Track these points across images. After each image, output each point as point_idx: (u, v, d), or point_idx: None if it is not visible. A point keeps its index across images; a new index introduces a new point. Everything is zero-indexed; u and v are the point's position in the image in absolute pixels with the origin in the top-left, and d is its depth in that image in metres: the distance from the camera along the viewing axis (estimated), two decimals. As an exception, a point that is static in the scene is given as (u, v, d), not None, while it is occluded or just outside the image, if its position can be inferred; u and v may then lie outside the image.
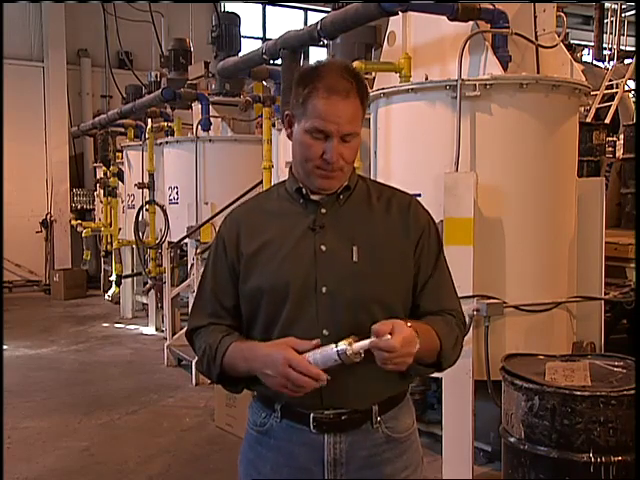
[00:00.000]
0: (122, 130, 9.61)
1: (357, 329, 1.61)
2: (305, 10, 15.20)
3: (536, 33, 4.38)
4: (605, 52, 11.18)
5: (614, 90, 8.71)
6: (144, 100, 8.39)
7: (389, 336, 1.49)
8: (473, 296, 3.68)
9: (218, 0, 12.39)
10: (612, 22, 11.21)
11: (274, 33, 12.79)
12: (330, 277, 1.64)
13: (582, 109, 6.66)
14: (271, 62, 6.08)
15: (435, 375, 3.81)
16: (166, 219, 7.77)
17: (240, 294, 1.73)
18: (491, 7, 4.11)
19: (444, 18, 4.02)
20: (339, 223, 1.69)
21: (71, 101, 12.33)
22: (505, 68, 4.11)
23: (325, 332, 1.62)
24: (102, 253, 10.70)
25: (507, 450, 3.25)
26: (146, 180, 8.17)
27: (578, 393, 2.98)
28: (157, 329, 8.40)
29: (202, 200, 7.18)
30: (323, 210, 1.70)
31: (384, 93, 4.18)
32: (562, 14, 4.51)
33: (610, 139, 7.52)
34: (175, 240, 7.39)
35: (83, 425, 5.11)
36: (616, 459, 2.92)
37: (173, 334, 6.93)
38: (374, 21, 4.61)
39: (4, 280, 11.37)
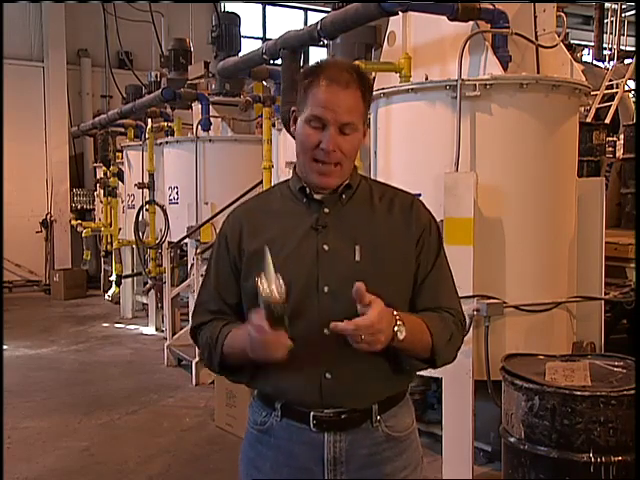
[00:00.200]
0: (122, 130, 9.61)
1: None
2: (305, 10, 15.20)
3: (536, 33, 4.38)
4: (605, 52, 11.18)
5: (614, 90, 8.71)
6: (144, 100, 8.39)
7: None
8: (473, 296, 3.68)
9: (218, 0, 12.39)
10: (612, 22, 11.21)
11: (274, 33, 12.79)
12: (332, 277, 1.64)
13: (582, 109, 6.65)
14: (271, 62, 6.08)
15: (435, 375, 3.84)
16: (166, 219, 7.77)
17: (242, 291, 1.74)
18: (491, 7, 4.11)
19: (444, 18, 4.02)
20: (342, 223, 1.69)
21: (71, 101, 12.33)
22: (505, 68, 4.11)
23: (326, 331, 1.62)
24: (102, 253, 10.70)
25: (507, 450, 3.25)
26: (146, 180, 8.17)
27: (578, 393, 2.98)
28: (157, 329, 8.40)
29: (202, 200, 7.19)
30: (326, 210, 1.70)
31: (384, 93, 4.18)
32: (562, 14, 4.51)
33: (610, 139, 7.51)
34: (175, 240, 7.39)
35: (83, 425, 5.12)
36: (616, 459, 2.92)
37: (173, 334, 6.93)
38: (374, 21, 4.61)
39: (4, 280, 11.37)
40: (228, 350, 1.67)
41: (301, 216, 1.70)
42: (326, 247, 1.66)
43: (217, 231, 6.57)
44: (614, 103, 8.35)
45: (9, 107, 11.18)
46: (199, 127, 7.34)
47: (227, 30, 7.60)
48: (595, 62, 11.12)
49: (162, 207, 7.87)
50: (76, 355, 7.34)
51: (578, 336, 4.18)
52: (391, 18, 4.58)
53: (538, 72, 4.33)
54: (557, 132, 4.01)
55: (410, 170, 4.05)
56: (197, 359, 6.08)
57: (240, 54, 7.37)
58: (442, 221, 3.59)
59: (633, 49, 10.61)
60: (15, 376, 6.28)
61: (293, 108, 1.73)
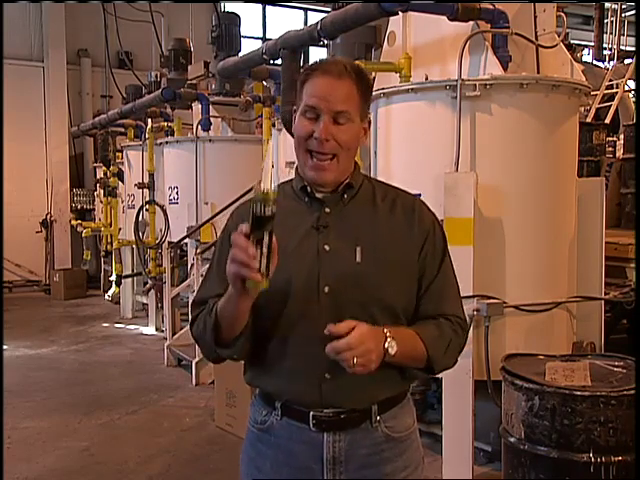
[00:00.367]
0: (122, 130, 9.61)
1: None
2: (305, 10, 15.20)
3: (536, 33, 4.38)
4: (605, 52, 11.17)
5: (614, 90, 8.71)
6: (144, 100, 8.40)
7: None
8: (473, 296, 3.68)
9: (218, 0, 12.39)
10: (612, 22, 11.21)
11: (274, 33, 12.79)
12: (332, 277, 1.64)
13: (582, 109, 6.65)
14: (271, 62, 6.08)
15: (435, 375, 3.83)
16: (166, 219, 7.77)
17: None
18: (491, 7, 4.11)
19: (444, 18, 4.02)
20: (343, 223, 1.69)
21: (71, 101, 12.33)
22: (505, 68, 4.11)
23: (326, 332, 1.62)
24: (102, 253, 10.70)
25: (507, 450, 3.25)
26: (146, 180, 8.18)
27: (578, 393, 2.98)
28: (157, 329, 8.40)
29: (202, 200, 7.19)
30: (327, 209, 1.70)
31: (384, 93, 4.18)
32: (562, 14, 4.51)
33: (610, 139, 7.51)
34: (175, 240, 7.39)
35: (83, 425, 5.12)
36: (616, 459, 2.92)
37: (173, 334, 6.92)
38: (374, 21, 4.61)
39: (4, 280, 11.37)
40: (221, 311, 1.61)
41: (302, 215, 1.70)
42: (327, 247, 1.66)
43: (217, 231, 6.55)
44: (614, 103, 8.35)
45: (9, 107, 11.18)
46: (199, 127, 7.35)
47: (227, 30, 7.61)
48: (595, 62, 11.11)
49: (162, 207, 7.87)
50: (76, 355, 7.34)
51: (578, 336, 4.18)
52: (391, 18, 4.58)
53: (538, 72, 4.33)
54: (557, 132, 4.01)
55: (410, 170, 4.05)
56: (197, 359, 6.09)
57: (240, 54, 7.38)
58: (442, 221, 3.59)
59: (633, 49, 10.61)
60: (15, 376, 6.28)
61: (294, 107, 1.73)
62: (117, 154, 9.83)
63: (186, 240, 7.12)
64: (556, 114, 4.00)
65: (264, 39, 13.94)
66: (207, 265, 5.73)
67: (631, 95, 9.27)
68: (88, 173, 12.62)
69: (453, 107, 3.84)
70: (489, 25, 4.14)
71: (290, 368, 1.66)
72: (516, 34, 4.11)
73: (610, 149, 7.47)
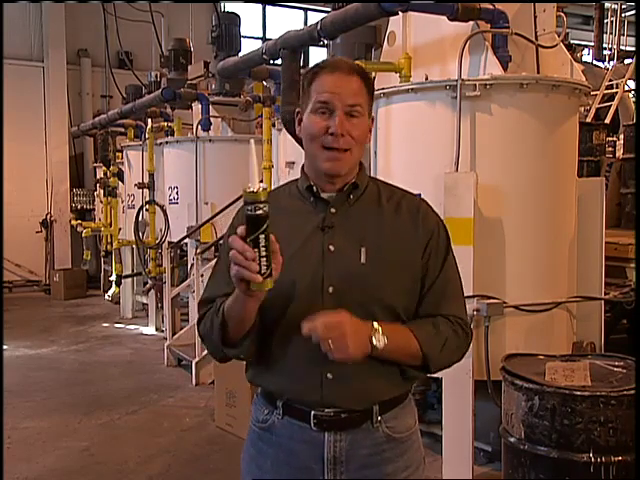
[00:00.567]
0: (122, 130, 9.61)
1: None
2: (305, 10, 15.19)
3: (536, 33, 4.38)
4: (605, 52, 11.18)
5: (614, 90, 8.71)
6: (144, 100, 8.40)
7: None
8: (473, 296, 3.68)
9: (218, 0, 12.39)
10: (612, 22, 11.21)
11: (274, 33, 12.79)
12: (337, 277, 1.64)
13: (582, 109, 6.65)
14: (271, 62, 6.08)
15: (435, 375, 3.83)
16: (166, 219, 7.78)
17: None
18: (491, 7, 4.11)
19: (444, 18, 4.02)
20: (348, 223, 1.69)
21: (71, 101, 12.33)
22: (505, 68, 4.11)
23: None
24: (102, 253, 10.70)
25: (507, 450, 3.25)
26: (146, 180, 8.17)
27: (578, 393, 2.98)
28: (157, 329, 8.40)
29: (202, 200, 7.20)
30: (333, 210, 1.70)
31: (384, 93, 4.18)
32: (562, 14, 4.51)
33: (610, 139, 7.52)
34: (175, 240, 7.39)
35: (83, 425, 5.12)
36: (616, 459, 2.92)
37: (173, 334, 6.93)
38: (374, 21, 4.61)
39: (4, 280, 11.37)
40: (228, 311, 1.62)
41: (308, 215, 1.70)
42: (332, 247, 1.66)
43: (217, 231, 6.52)
44: (614, 103, 8.35)
45: (9, 107, 11.18)
46: (199, 127, 7.35)
47: (227, 30, 7.61)
48: (595, 62, 11.11)
49: (162, 207, 7.87)
50: (76, 355, 7.34)
51: (578, 336, 4.18)
52: (391, 18, 4.58)
53: (538, 72, 4.33)
54: (557, 132, 4.01)
55: (410, 170, 4.05)
56: (197, 359, 6.09)
57: (240, 54, 7.37)
58: (442, 221, 3.59)
59: (633, 49, 10.61)
60: (15, 376, 6.28)
61: (297, 109, 1.74)
62: (117, 154, 9.83)
63: (186, 240, 7.13)
64: (556, 114, 4.00)
65: (264, 39, 13.94)
66: (207, 265, 5.73)
67: (631, 95, 9.27)
68: (88, 173, 12.62)
69: (453, 107, 3.84)
70: (489, 25, 4.14)
71: (292, 367, 1.66)
72: (516, 34, 4.12)
73: (610, 149, 7.47)
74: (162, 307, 7.94)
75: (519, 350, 3.67)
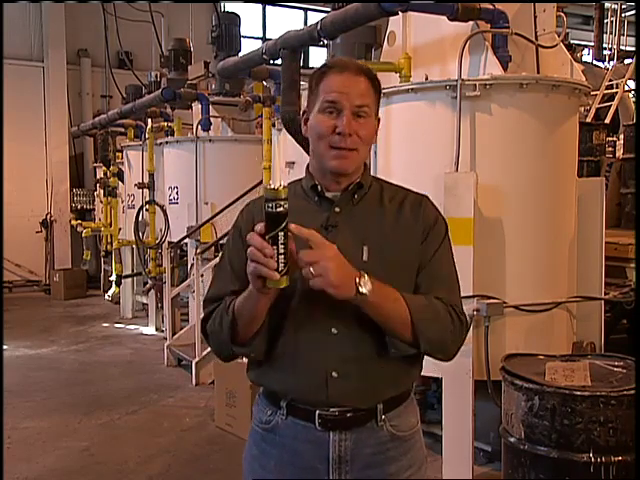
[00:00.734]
0: (122, 130, 9.61)
1: (365, 328, 1.62)
2: (305, 10, 15.19)
3: (536, 33, 4.38)
4: (605, 52, 11.18)
5: (614, 90, 8.71)
6: (144, 100, 8.39)
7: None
8: (473, 296, 3.68)
9: (218, 0, 12.39)
10: (612, 22, 11.21)
11: (274, 33, 12.80)
12: None
13: (582, 109, 6.65)
14: (271, 62, 6.07)
15: (435, 375, 3.84)
16: (166, 219, 7.78)
17: None
18: (491, 7, 4.11)
19: (444, 18, 4.02)
20: (352, 223, 1.70)
21: (71, 101, 12.33)
22: (505, 68, 4.11)
23: (334, 330, 1.63)
24: (102, 253, 10.70)
25: (507, 450, 3.25)
26: (146, 180, 8.17)
27: (578, 393, 2.98)
28: (157, 329, 8.40)
29: (202, 200, 7.20)
30: (337, 209, 1.71)
31: (384, 93, 4.16)
32: (562, 14, 4.51)
33: (610, 139, 7.52)
34: (175, 240, 7.39)
35: (83, 425, 5.12)
36: (616, 459, 2.92)
37: (173, 334, 6.93)
38: (374, 21, 4.61)
39: (4, 280, 11.37)
40: (239, 309, 1.62)
41: (312, 214, 1.70)
42: (339, 253, 1.66)
43: (217, 231, 6.50)
44: (614, 103, 8.35)
45: (9, 107, 11.18)
46: (199, 127, 7.35)
47: (227, 30, 7.60)
48: (595, 62, 11.12)
49: (162, 207, 7.87)
50: (76, 355, 7.34)
51: (578, 336, 4.18)
52: (391, 18, 4.58)
53: (538, 72, 4.33)
54: (557, 132, 4.01)
55: (410, 170, 4.05)
56: (197, 359, 6.09)
57: (240, 54, 7.37)
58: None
59: (633, 49, 10.61)
60: (15, 376, 6.28)
61: (304, 109, 1.75)
62: (117, 154, 9.83)
63: (186, 240, 7.13)
64: (556, 114, 4.00)
65: (264, 39, 13.94)
66: (207, 265, 5.73)
67: (631, 95, 9.27)
68: (88, 173, 12.62)
69: (453, 107, 3.84)
70: (489, 25, 4.14)
71: (296, 367, 1.66)
72: (516, 34, 4.12)
73: (610, 149, 7.47)
74: (162, 307, 7.94)
75: (519, 350, 3.67)
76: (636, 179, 6.10)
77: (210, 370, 5.78)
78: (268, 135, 6.26)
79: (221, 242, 6.38)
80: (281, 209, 1.45)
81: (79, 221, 11.50)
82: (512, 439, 3.18)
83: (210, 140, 7.29)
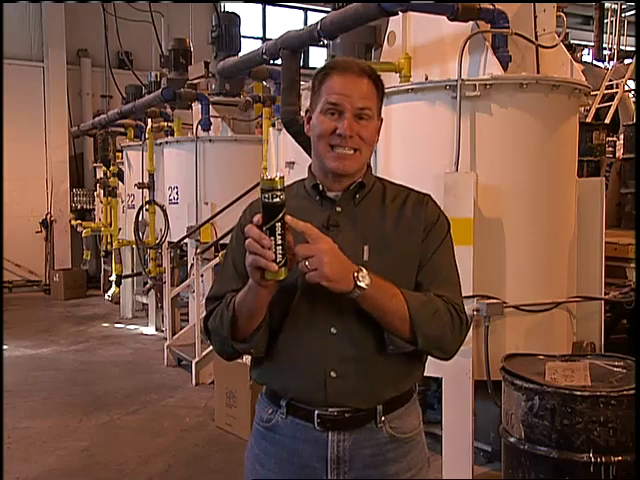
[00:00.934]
0: (122, 130, 9.61)
1: (365, 328, 1.62)
2: (305, 10, 15.20)
3: (536, 33, 4.38)
4: (605, 52, 11.18)
5: (614, 90, 8.71)
6: (144, 100, 8.39)
7: None
8: (473, 296, 3.68)
9: (218, 0, 12.39)
10: (612, 22, 11.21)
11: (274, 33, 12.80)
12: None
13: (582, 109, 6.66)
14: (271, 62, 6.08)
15: (435, 375, 3.84)
16: (166, 219, 7.77)
17: None
18: (491, 7, 4.11)
19: (444, 18, 4.02)
20: (353, 222, 1.70)
21: (71, 101, 12.33)
22: (505, 68, 4.11)
23: (333, 330, 1.63)
24: (102, 253, 10.69)
25: (507, 450, 3.25)
26: (146, 180, 8.17)
27: (578, 393, 2.98)
28: (157, 329, 8.40)
29: (202, 200, 7.20)
30: (338, 208, 1.71)
31: (384, 93, 4.18)
32: (562, 14, 4.51)
33: (610, 139, 7.52)
34: (175, 240, 7.39)
35: (83, 425, 5.12)
36: (616, 459, 2.92)
37: (173, 334, 6.93)
38: (374, 21, 4.61)
39: (4, 280, 11.37)
40: (239, 304, 1.61)
41: (313, 214, 1.70)
42: (336, 245, 1.66)
43: (217, 231, 6.49)
44: (614, 103, 8.35)
45: (9, 107, 11.18)
46: (199, 127, 7.35)
47: (227, 30, 7.61)
48: (595, 62, 11.12)
49: (162, 207, 7.87)
50: (76, 355, 7.34)
51: (578, 336, 4.18)
52: (391, 18, 4.58)
53: (538, 72, 4.33)
54: (557, 132, 4.01)
55: (410, 170, 4.05)
56: (197, 359, 6.09)
57: (240, 54, 7.37)
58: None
59: (633, 49, 10.61)
60: (15, 376, 6.28)
61: (307, 108, 1.75)
62: (117, 154, 9.83)
63: (186, 240, 7.13)
64: (556, 114, 4.00)
65: (264, 39, 13.94)
66: (207, 265, 5.73)
67: (631, 95, 9.27)
68: (88, 173, 12.62)
69: (453, 107, 3.84)
70: (489, 25, 4.14)
71: (296, 366, 1.66)
72: (516, 34, 4.11)
73: (610, 149, 7.47)
74: (162, 307, 7.94)
75: (519, 350, 3.67)
76: (636, 179, 6.10)
77: (210, 370, 5.79)
78: (268, 135, 6.25)
79: (221, 242, 6.39)
80: (277, 200, 1.45)
81: (79, 221, 11.51)
82: (512, 439, 3.18)
83: (210, 140, 7.29)
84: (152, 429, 5.02)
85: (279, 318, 1.67)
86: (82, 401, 5.67)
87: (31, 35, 12.08)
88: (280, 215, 1.46)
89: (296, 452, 1.70)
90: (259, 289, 1.54)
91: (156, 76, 9.59)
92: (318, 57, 13.95)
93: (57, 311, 10.16)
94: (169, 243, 7.50)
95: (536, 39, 4.33)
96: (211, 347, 5.32)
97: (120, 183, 9.59)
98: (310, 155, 1.79)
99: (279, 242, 1.47)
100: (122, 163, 9.49)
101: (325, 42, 5.33)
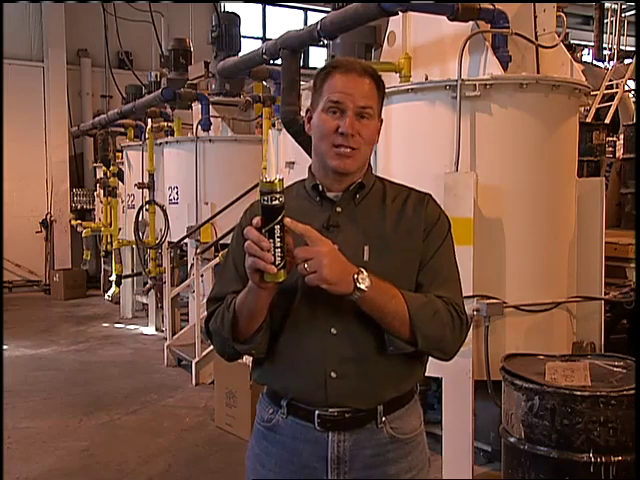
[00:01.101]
0: (122, 130, 9.61)
1: (365, 328, 1.62)
2: (305, 10, 15.20)
3: (536, 33, 4.38)
4: (605, 52, 11.18)
5: (614, 90, 8.71)
6: (144, 100, 8.40)
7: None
8: (473, 296, 3.68)
9: (218, 0, 12.39)
10: (612, 22, 11.21)
11: (274, 33, 12.80)
12: None
13: (582, 109, 6.65)
14: (271, 62, 6.08)
15: (435, 375, 3.84)
16: (166, 219, 7.78)
17: None
18: (491, 7, 4.11)
19: (444, 18, 4.02)
20: (353, 222, 1.70)
21: (71, 101, 12.33)
22: (505, 68, 4.11)
23: (333, 330, 1.63)
24: (102, 253, 10.70)
25: (507, 450, 3.25)
26: (146, 180, 8.17)
27: (578, 393, 2.98)
28: (157, 329, 8.40)
29: (202, 200, 7.20)
30: (338, 209, 1.71)
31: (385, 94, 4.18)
32: (562, 14, 4.51)
33: (610, 139, 7.52)
34: (175, 240, 7.39)
35: (83, 425, 5.12)
36: (616, 459, 2.92)
37: (173, 334, 6.93)
38: (374, 21, 4.61)
39: (4, 280, 11.37)
40: (239, 305, 1.62)
41: (313, 214, 1.70)
42: (336, 246, 1.66)
43: (217, 231, 6.49)
44: (614, 103, 8.35)
45: (9, 107, 11.18)
46: (199, 127, 7.35)
47: (227, 30, 7.61)
48: (595, 62, 11.12)
49: (162, 207, 7.87)
50: (76, 355, 7.34)
51: (578, 336, 4.18)
52: (391, 18, 4.58)
53: (538, 72, 4.33)
54: (557, 132, 4.01)
55: (410, 170, 4.05)
56: (197, 359, 6.09)
57: (240, 54, 7.37)
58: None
59: (633, 49, 10.61)
60: (15, 376, 6.28)
61: (307, 107, 1.75)
62: (117, 154, 9.83)
63: (186, 240, 7.13)
64: (556, 114, 4.00)
65: (264, 39, 13.94)
66: (207, 265, 5.74)
67: (631, 95, 9.27)
68: (88, 173, 12.62)
69: (453, 107, 3.84)
70: (489, 25, 4.14)
71: (296, 366, 1.66)
72: (516, 34, 4.11)
73: (610, 149, 7.47)
74: (162, 307, 7.94)
75: (519, 350, 3.67)
76: (636, 179, 6.10)
77: (210, 370, 5.79)
78: (267, 135, 6.25)
79: (221, 242, 6.38)
80: (276, 202, 1.45)
81: (79, 221, 11.51)
82: (512, 439, 3.18)
83: (210, 140, 7.29)
84: (152, 429, 5.02)
85: (280, 319, 1.67)
86: (82, 401, 5.67)
87: (31, 35, 12.08)
88: (279, 217, 1.46)
89: (296, 452, 1.70)
90: (259, 291, 1.55)
91: (156, 76, 9.59)
92: (318, 57, 13.96)
93: (57, 311, 10.16)
94: (169, 243, 7.50)
95: (536, 39, 4.33)
96: (211, 347, 5.32)
97: (120, 183, 9.59)
98: (310, 155, 1.79)
99: (278, 244, 1.47)
100: (122, 163, 9.49)
101: (325, 42, 5.33)
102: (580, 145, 4.47)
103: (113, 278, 9.71)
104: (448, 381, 3.76)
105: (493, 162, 3.88)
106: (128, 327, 8.82)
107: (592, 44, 11.88)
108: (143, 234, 8.24)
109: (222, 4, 13.12)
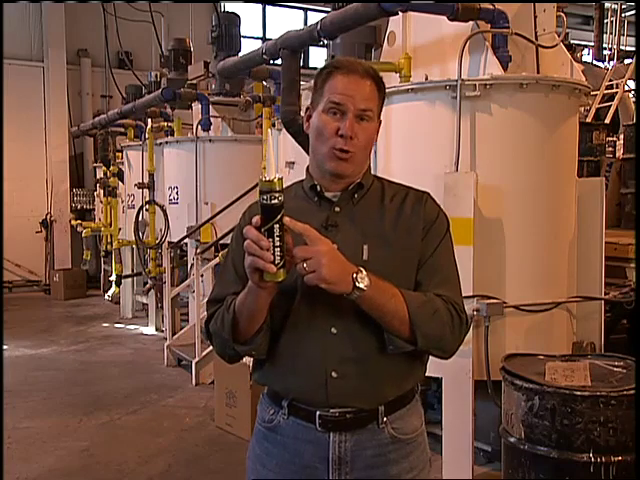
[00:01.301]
0: (122, 130, 9.62)
1: (365, 328, 1.62)
2: (305, 10, 15.20)
3: (536, 33, 4.38)
4: (605, 52, 11.18)
5: (614, 90, 8.71)
6: (144, 100, 8.40)
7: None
8: (473, 296, 3.68)
9: (218, 0, 12.39)
10: (612, 22, 11.21)
11: (274, 33, 12.80)
12: None
13: (582, 109, 6.65)
14: (271, 62, 6.08)
15: (435, 375, 3.84)
16: (166, 219, 7.78)
17: None
18: (491, 7, 4.11)
19: (444, 18, 4.02)
20: (352, 222, 1.70)
21: (71, 101, 12.33)
22: (505, 68, 4.11)
23: (333, 330, 1.63)
24: (102, 253, 10.70)
25: (507, 450, 3.25)
26: (146, 180, 8.17)
27: (578, 393, 2.97)
28: (157, 329, 8.40)
29: (202, 200, 7.20)
30: (337, 209, 1.71)
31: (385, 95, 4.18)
32: (562, 14, 4.51)
33: (610, 139, 7.52)
34: (175, 240, 7.39)
35: (83, 425, 5.12)
36: (616, 459, 2.92)
37: (173, 334, 6.93)
38: (374, 21, 4.61)
39: (4, 280, 11.37)
40: (239, 306, 1.61)
41: (312, 214, 1.70)
42: (335, 246, 1.66)
43: (217, 231, 6.50)
44: (614, 103, 8.35)
45: (9, 107, 11.19)
46: (199, 127, 7.35)
47: (227, 30, 7.61)
48: (595, 62, 11.12)
49: (162, 207, 7.87)
50: (76, 355, 7.34)
51: (578, 336, 4.18)
52: (391, 18, 4.58)
53: (538, 72, 4.33)
54: (557, 132, 4.01)
55: (410, 170, 4.05)
56: (197, 359, 6.09)
57: (240, 54, 7.38)
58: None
59: (633, 49, 10.61)
60: (15, 376, 6.28)
61: (307, 107, 1.75)
62: (117, 154, 9.83)
63: (186, 240, 7.13)
64: (556, 114, 4.00)
65: (264, 39, 13.94)
66: (207, 265, 5.74)
67: (631, 95, 9.27)
68: (88, 173, 12.62)
69: (453, 107, 3.84)
70: (489, 25, 4.14)
71: (296, 367, 1.66)
72: (516, 34, 4.11)
73: (610, 149, 7.47)
74: (162, 307, 7.95)
75: (519, 350, 3.67)
76: (636, 179, 6.10)
77: (210, 370, 5.79)
78: (267, 135, 6.26)
79: (221, 242, 6.39)
80: (275, 201, 1.45)
81: (79, 221, 11.51)
82: (512, 439, 3.17)
83: (210, 140, 7.29)
84: (152, 429, 5.02)
85: (280, 320, 1.66)
86: (82, 401, 5.67)
87: (31, 35, 12.08)
88: (278, 216, 1.46)
89: (298, 453, 1.70)
90: (258, 291, 1.54)
91: (156, 76, 9.59)
92: (318, 57, 13.96)
93: (57, 311, 10.16)
94: (169, 243, 7.50)
95: (536, 39, 4.33)
96: (211, 347, 5.32)
97: (120, 183, 9.59)
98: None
99: (277, 243, 1.47)
100: (122, 163, 9.49)
101: (325, 42, 5.33)
102: (580, 145, 4.47)
103: (113, 278, 9.71)
104: (448, 381, 3.76)
105: (493, 162, 3.88)
106: (128, 327, 8.82)
107: (592, 44, 11.88)
108: (143, 234, 8.24)
109: (222, 4, 13.12)
